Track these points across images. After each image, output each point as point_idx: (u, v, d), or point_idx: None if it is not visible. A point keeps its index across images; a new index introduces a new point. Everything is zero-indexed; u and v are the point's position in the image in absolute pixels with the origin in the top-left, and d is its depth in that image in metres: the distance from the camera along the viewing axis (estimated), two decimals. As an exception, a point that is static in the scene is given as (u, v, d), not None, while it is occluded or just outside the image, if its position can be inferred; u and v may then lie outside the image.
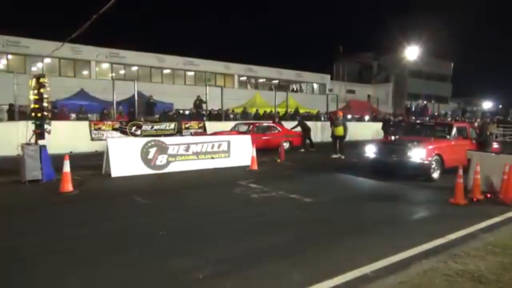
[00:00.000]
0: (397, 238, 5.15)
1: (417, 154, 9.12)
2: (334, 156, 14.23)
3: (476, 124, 15.88)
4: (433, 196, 7.83)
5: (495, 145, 11.36)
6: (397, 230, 5.68)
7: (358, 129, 21.62)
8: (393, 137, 10.63)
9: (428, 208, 7.07)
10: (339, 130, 14.36)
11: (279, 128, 16.42)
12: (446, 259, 4.33)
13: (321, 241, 4.99)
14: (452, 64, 58.27)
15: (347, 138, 14.65)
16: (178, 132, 16.11)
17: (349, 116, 25.31)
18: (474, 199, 7.27)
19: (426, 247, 4.70)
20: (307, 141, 16.68)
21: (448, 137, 10.18)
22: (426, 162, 9.08)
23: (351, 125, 15.00)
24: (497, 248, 4.68)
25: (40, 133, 8.64)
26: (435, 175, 9.33)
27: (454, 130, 10.28)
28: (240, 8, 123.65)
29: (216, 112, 19.94)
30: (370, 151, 10.18)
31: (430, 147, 9.37)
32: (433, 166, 9.25)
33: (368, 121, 26.67)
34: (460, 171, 7.21)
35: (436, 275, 3.94)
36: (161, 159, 10.11)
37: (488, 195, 7.54)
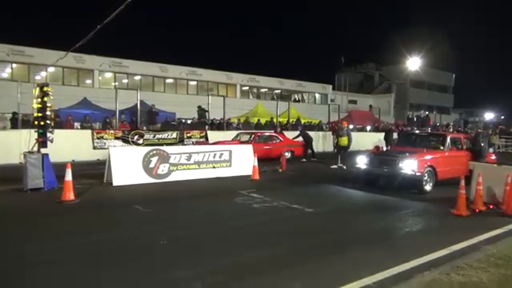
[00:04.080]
0: (399, 249, 5.13)
1: (409, 166, 8.83)
2: (334, 166, 14.21)
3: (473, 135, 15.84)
4: (434, 207, 7.77)
5: (492, 156, 11.28)
6: (399, 241, 5.66)
7: (359, 139, 21.62)
8: (384, 148, 10.24)
9: (430, 219, 7.01)
10: (344, 140, 14.37)
11: (280, 138, 16.43)
12: (448, 270, 4.30)
13: (323, 252, 4.96)
14: (454, 75, 58.45)
15: (350, 148, 14.64)
16: (180, 141, 16.18)
17: (350, 126, 25.38)
18: (477, 210, 7.24)
19: (428, 259, 4.66)
20: (309, 151, 16.68)
21: (441, 148, 9.84)
22: (418, 174, 8.79)
23: (353, 135, 15.00)
24: (500, 260, 4.64)
25: (42, 142, 8.66)
26: (428, 187, 9.07)
27: (448, 141, 9.92)
28: (242, 18, 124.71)
29: (218, 121, 20.02)
30: (362, 162, 9.92)
31: (422, 158, 9.09)
32: (425, 178, 8.99)
33: (369, 131, 26.69)
34: (462, 182, 7.19)
35: (438, 287, 3.91)
36: (163, 168, 10.12)
37: (491, 206, 7.50)
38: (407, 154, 9.13)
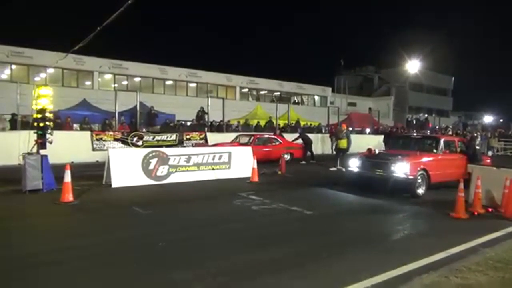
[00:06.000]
0: (397, 252, 5.13)
1: (401, 168, 8.69)
2: (333, 168, 14.23)
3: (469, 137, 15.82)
4: (430, 210, 7.75)
5: (488, 160, 11.25)
6: (398, 244, 5.67)
7: (358, 142, 21.61)
8: (377, 151, 10.09)
9: (428, 222, 7.02)
10: (343, 143, 14.39)
11: (280, 140, 16.45)
12: (447, 273, 4.30)
13: (322, 254, 4.96)
14: (453, 78, 58.55)
15: (350, 151, 14.64)
16: (180, 143, 16.16)
17: (350, 129, 25.43)
18: (475, 213, 7.25)
19: (427, 261, 4.67)
20: (308, 153, 16.69)
21: (435, 151, 9.71)
22: (410, 177, 8.66)
23: (352, 138, 15.01)
24: (499, 263, 4.65)
25: (41, 143, 8.66)
26: (420, 191, 8.95)
27: (442, 144, 9.81)
28: (242, 21, 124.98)
29: (217, 123, 20.03)
30: (354, 165, 9.82)
31: (415, 161, 8.97)
32: (418, 181, 8.87)
33: (369, 133, 26.71)
34: (461, 185, 7.20)
35: (437, 290, 3.91)
36: (162, 170, 10.12)
37: (489, 209, 7.51)
38: (400, 157, 9.02)
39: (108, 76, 30.22)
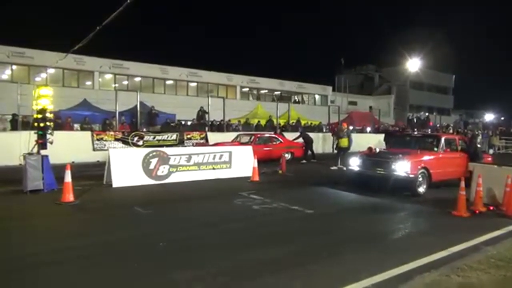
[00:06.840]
0: (398, 251, 5.12)
1: (402, 167, 8.67)
2: (334, 167, 14.21)
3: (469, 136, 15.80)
4: (432, 209, 7.73)
5: (489, 158, 11.22)
6: (399, 242, 5.65)
7: (359, 140, 21.56)
8: (377, 149, 10.04)
9: (429, 220, 7.00)
10: (344, 142, 14.40)
11: (280, 139, 16.43)
12: (448, 272, 4.29)
13: (322, 254, 4.95)
14: (454, 77, 58.43)
15: (351, 149, 14.62)
16: (180, 142, 16.17)
17: (350, 128, 25.36)
18: (477, 211, 7.23)
19: (428, 260, 4.65)
20: (309, 152, 16.67)
21: (435, 149, 9.67)
22: (411, 176, 8.62)
23: (353, 137, 14.99)
24: (500, 262, 4.63)
25: (42, 143, 8.65)
26: (421, 189, 8.90)
27: (442, 142, 9.75)
28: (242, 21, 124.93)
29: (218, 123, 20.03)
30: (354, 164, 9.81)
31: (416, 160, 8.95)
32: (419, 180, 8.82)
33: (370, 132, 26.68)
34: (462, 183, 7.18)
35: (438, 289, 3.90)
36: (163, 170, 10.11)
37: (491, 207, 7.49)
38: (400, 155, 8.99)
39: (109, 76, 30.22)
